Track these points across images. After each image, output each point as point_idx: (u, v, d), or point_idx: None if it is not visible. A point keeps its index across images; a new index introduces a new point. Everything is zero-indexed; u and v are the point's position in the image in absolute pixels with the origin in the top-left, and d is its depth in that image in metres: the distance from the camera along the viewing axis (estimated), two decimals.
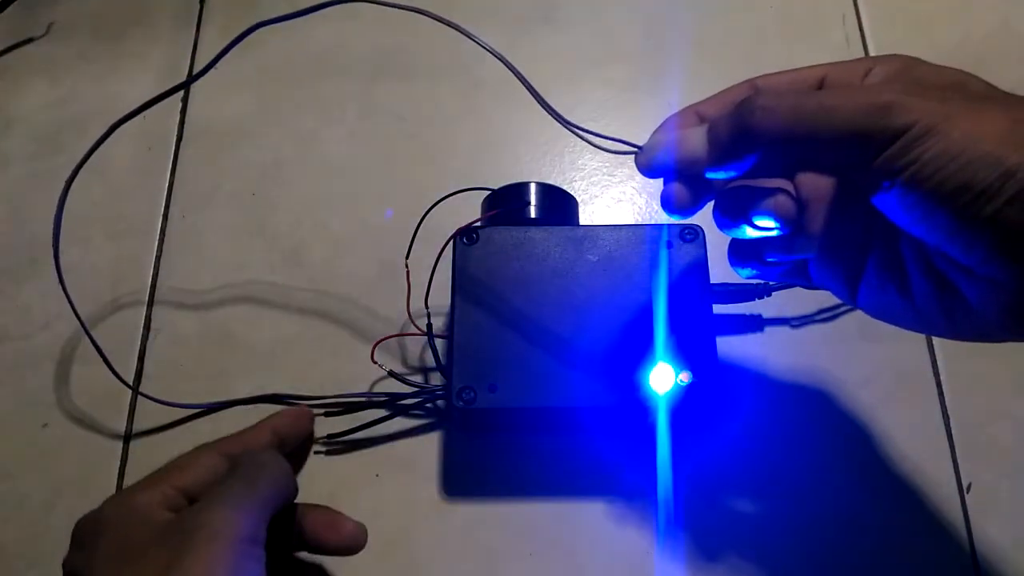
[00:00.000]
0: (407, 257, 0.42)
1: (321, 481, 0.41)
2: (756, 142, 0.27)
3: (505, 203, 0.43)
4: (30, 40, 0.55)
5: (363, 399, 0.43)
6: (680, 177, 0.31)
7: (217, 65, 0.37)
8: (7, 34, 0.55)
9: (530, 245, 0.41)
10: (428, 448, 0.42)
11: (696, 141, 0.30)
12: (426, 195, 0.44)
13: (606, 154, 0.33)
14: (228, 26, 0.55)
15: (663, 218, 0.33)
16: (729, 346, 0.44)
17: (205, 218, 0.49)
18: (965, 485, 0.41)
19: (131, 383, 0.44)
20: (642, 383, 0.37)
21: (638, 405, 0.38)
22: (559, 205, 0.43)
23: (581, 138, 0.33)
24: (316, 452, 0.42)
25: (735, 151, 0.28)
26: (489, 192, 0.44)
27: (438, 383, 0.42)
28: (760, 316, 0.45)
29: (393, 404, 0.42)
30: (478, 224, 0.41)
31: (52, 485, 0.42)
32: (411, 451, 0.42)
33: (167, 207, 0.49)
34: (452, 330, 0.39)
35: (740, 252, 0.34)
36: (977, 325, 0.28)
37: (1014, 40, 0.53)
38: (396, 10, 0.35)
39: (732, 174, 0.29)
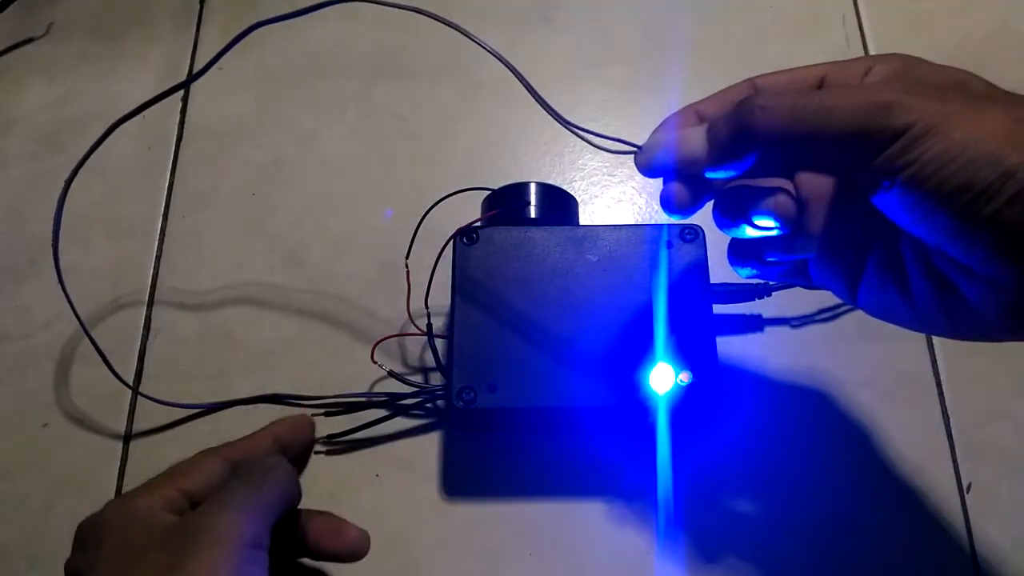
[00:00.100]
0: (407, 257, 0.42)
1: (321, 481, 0.41)
2: (755, 142, 0.27)
3: (505, 203, 0.43)
4: (30, 40, 0.55)
5: (363, 399, 0.43)
6: (680, 177, 0.31)
7: (217, 65, 0.37)
8: (7, 34, 0.55)
9: (530, 245, 0.41)
10: (428, 448, 0.42)
11: (695, 140, 0.30)
12: (426, 195, 0.44)
13: (606, 154, 0.33)
14: (228, 26, 0.55)
15: (663, 218, 0.33)
16: (729, 346, 0.44)
17: (205, 218, 0.49)
18: (965, 485, 0.41)
19: (131, 383, 0.44)
20: (642, 383, 0.37)
21: (638, 405, 0.38)
22: (559, 205, 0.43)
23: (581, 138, 0.33)
24: (316, 452, 0.42)
25: (734, 150, 0.28)
26: (489, 192, 0.44)
27: (438, 383, 0.42)
28: (760, 316, 0.45)
29: (393, 404, 0.42)
30: (478, 224, 0.41)
31: (52, 485, 0.42)
32: (411, 451, 0.42)
33: (167, 207, 0.49)
34: (452, 330, 0.39)
35: (740, 252, 0.34)
36: (977, 325, 0.28)
37: (1014, 40, 0.53)
38: (396, 10, 0.35)
39: (732, 173, 0.29)
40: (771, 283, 0.43)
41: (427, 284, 0.42)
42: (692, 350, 0.38)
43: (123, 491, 0.42)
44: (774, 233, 0.31)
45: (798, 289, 0.43)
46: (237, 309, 0.46)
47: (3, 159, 0.51)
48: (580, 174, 0.49)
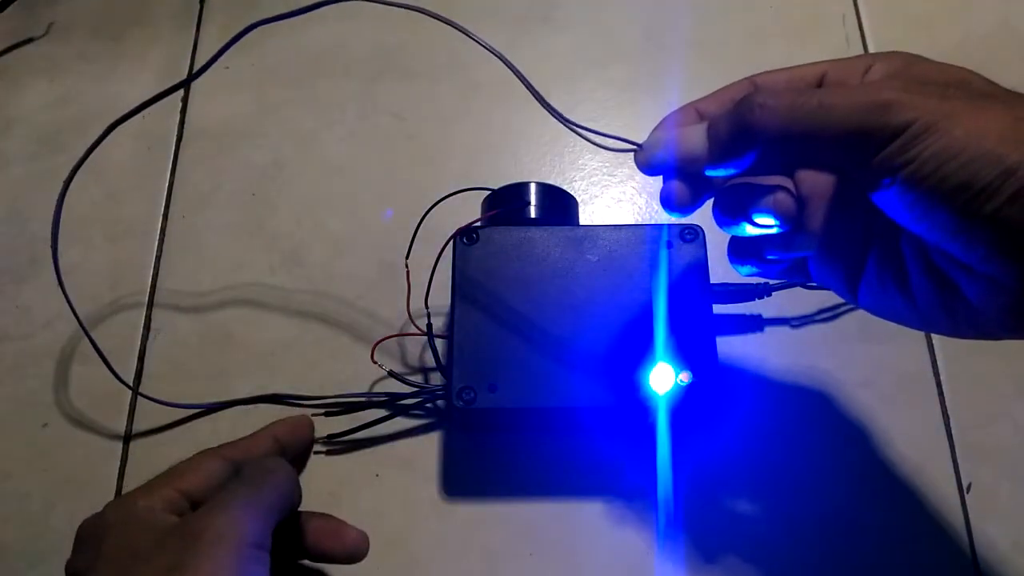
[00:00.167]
0: (407, 257, 0.42)
1: (321, 481, 0.41)
2: (755, 140, 0.27)
3: (505, 203, 0.43)
4: (30, 40, 0.55)
5: (363, 399, 0.43)
6: (680, 175, 0.31)
7: (216, 64, 0.37)
8: (7, 34, 0.55)
9: (530, 245, 0.41)
10: (428, 448, 0.42)
11: (696, 138, 0.30)
12: (426, 195, 0.44)
13: (606, 154, 0.33)
14: (228, 26, 0.55)
15: (663, 218, 0.33)
16: (729, 346, 0.44)
17: (205, 218, 0.49)
18: (965, 485, 0.41)
19: (131, 383, 0.44)
20: (642, 383, 0.37)
21: (638, 405, 0.38)
22: (559, 205, 0.43)
23: (581, 136, 0.33)
24: (316, 452, 0.42)
25: (734, 148, 0.28)
26: (489, 192, 0.44)
27: (438, 383, 0.42)
28: (760, 316, 0.44)
29: (393, 404, 0.42)
30: (478, 224, 0.41)
31: (52, 485, 0.42)
32: (411, 451, 0.42)
33: (167, 207, 0.49)
34: (452, 330, 0.39)
35: (740, 250, 0.34)
36: (977, 323, 0.28)
37: (1014, 40, 0.53)
38: (396, 9, 0.35)
39: (732, 171, 0.29)
40: (771, 283, 0.43)
41: (427, 284, 0.42)
42: (692, 350, 0.38)
43: (123, 491, 0.42)
44: (774, 231, 0.31)
45: (798, 289, 0.43)
46: (237, 309, 0.46)
47: (3, 159, 0.51)
48: (580, 174, 0.49)
